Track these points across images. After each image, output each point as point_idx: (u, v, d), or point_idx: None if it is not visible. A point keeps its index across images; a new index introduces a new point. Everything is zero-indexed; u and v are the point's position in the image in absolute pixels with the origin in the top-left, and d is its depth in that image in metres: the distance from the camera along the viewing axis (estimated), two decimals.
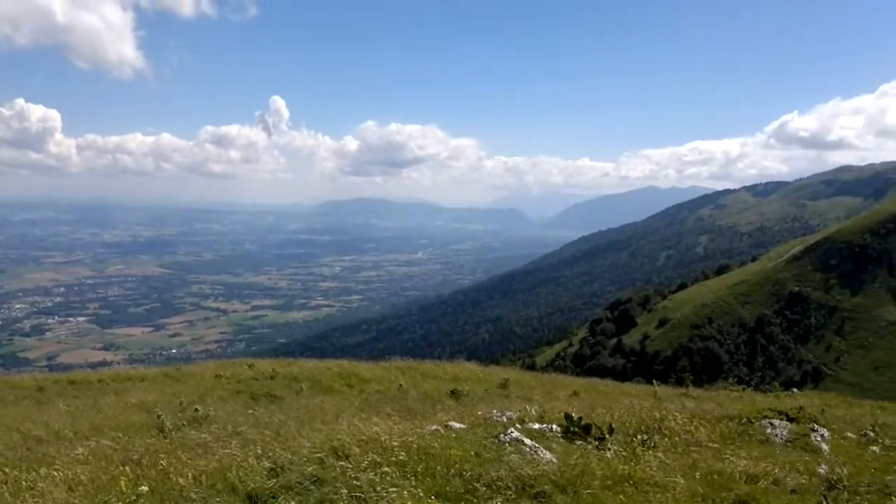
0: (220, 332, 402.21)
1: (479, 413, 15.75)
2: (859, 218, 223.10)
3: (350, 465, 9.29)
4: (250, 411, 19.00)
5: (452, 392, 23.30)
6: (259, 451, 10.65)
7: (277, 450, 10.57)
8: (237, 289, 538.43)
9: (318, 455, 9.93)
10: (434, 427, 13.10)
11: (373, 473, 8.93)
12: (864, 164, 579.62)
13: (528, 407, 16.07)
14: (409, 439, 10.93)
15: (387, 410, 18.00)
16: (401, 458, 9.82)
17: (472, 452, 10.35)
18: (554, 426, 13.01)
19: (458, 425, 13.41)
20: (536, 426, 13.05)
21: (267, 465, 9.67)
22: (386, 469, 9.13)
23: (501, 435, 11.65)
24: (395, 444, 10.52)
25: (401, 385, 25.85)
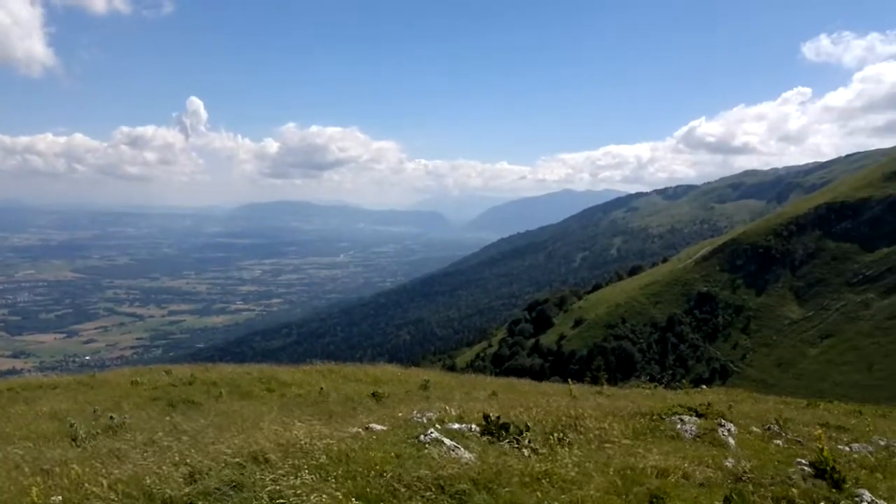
0: (136, 338, 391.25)
1: (400, 415, 15.75)
2: (763, 220, 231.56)
3: (270, 470, 9.19)
4: (168, 418, 18.56)
5: (374, 394, 23.27)
6: (176, 458, 10.41)
7: (195, 456, 10.35)
8: (154, 293, 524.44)
9: (237, 460, 9.78)
10: (355, 429, 13.06)
11: (293, 478, 8.86)
12: (767, 168, 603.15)
13: (447, 407, 16.14)
14: (330, 442, 10.87)
15: (307, 414, 17.81)
16: (321, 461, 9.76)
17: (393, 454, 10.36)
18: (473, 426, 13.11)
19: (379, 427, 13.40)
20: (456, 426, 13.14)
21: (184, 471, 9.48)
22: (306, 473, 9.07)
23: (421, 436, 11.69)
24: (316, 447, 10.45)
25: (322, 388, 25.64)
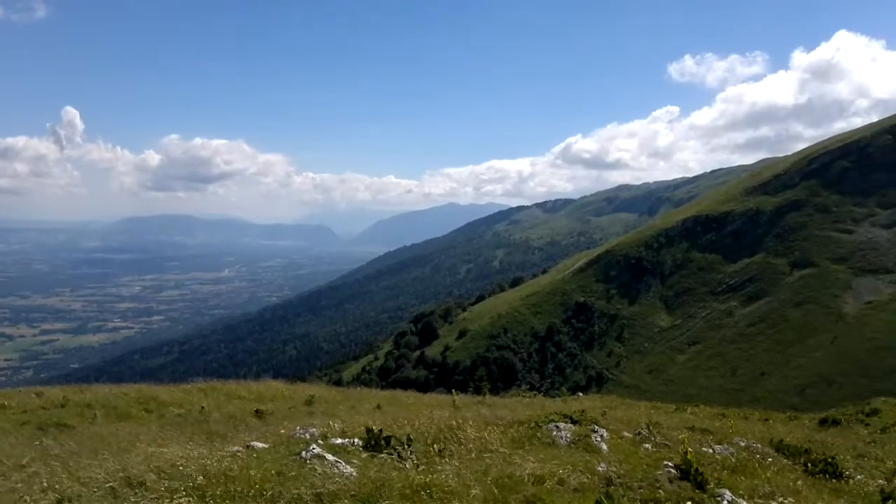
0: (5, 359, 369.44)
1: (283, 431, 15.47)
2: (635, 233, 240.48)
3: (144, 494, 8.86)
4: (37, 443, 17.52)
5: (257, 411, 22.77)
6: (45, 484, 9.88)
7: (66, 482, 9.85)
8: (24, 312, 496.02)
9: (110, 485, 9.38)
10: (236, 448, 12.75)
11: (168, 500, 8.57)
12: (639, 183, 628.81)
13: (331, 423, 15.98)
14: (209, 463, 10.56)
15: (187, 434, 17.25)
16: (199, 482, 9.46)
17: (274, 471, 10.17)
18: (356, 440, 13.03)
19: (260, 445, 13.13)
20: (339, 441, 13.02)
21: (53, 498, 9.01)
22: (183, 495, 8.78)
23: (303, 452, 11.53)
24: (194, 468, 10.14)
25: (203, 407, 24.86)
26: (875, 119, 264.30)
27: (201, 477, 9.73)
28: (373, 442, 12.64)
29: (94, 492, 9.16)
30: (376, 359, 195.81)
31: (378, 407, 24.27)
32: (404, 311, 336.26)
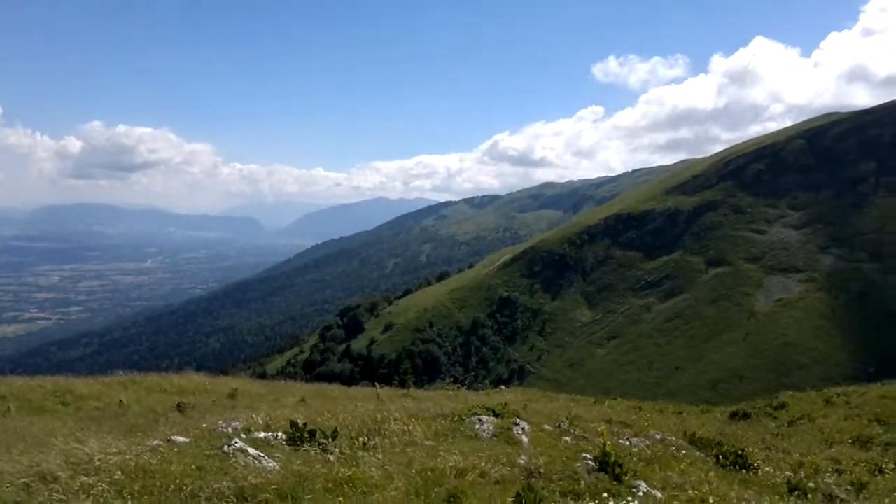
0: None
1: (205, 425, 15.14)
2: (559, 229, 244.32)
3: (58, 489, 8.57)
4: None
5: (178, 405, 22.24)
6: None
7: None
8: None
9: (24, 480, 9.04)
10: (155, 442, 12.41)
11: (84, 496, 8.32)
12: (564, 181, 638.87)
13: (254, 416, 15.72)
14: (127, 457, 10.26)
15: (105, 428, 16.73)
16: (116, 477, 9.20)
17: (194, 466, 9.96)
18: (280, 434, 12.86)
19: (181, 439, 12.82)
20: (262, 435, 12.83)
21: None
22: (99, 490, 8.54)
23: (225, 446, 11.31)
24: (111, 463, 9.85)
25: (122, 401, 24.14)
26: (788, 124, 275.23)
27: (119, 472, 9.45)
28: (297, 435, 12.50)
29: (6, 488, 8.81)
30: (302, 352, 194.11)
31: (303, 400, 24.03)
32: (331, 304, 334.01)
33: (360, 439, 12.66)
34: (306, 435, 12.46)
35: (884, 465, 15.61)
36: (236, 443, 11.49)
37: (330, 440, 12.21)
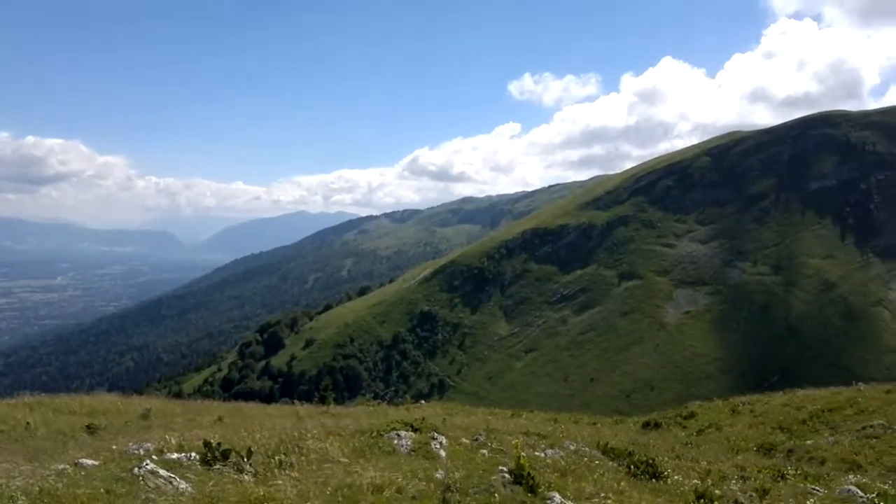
0: None
1: (115, 447, 14.57)
2: (478, 244, 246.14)
3: None
4: None
5: (88, 427, 21.35)
6: None
7: None
8: None
9: None
10: (63, 466, 11.90)
11: None
12: (483, 196, 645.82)
13: (168, 437, 15.22)
14: (31, 482, 9.82)
15: (10, 452, 15.97)
16: (20, 503, 8.80)
17: (103, 490, 9.58)
18: (193, 454, 12.49)
19: (90, 462, 12.33)
20: (175, 456, 12.44)
21: None
22: None
23: (136, 468, 10.93)
24: (14, 488, 9.40)
25: (28, 423, 23.00)
26: (695, 141, 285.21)
27: (24, 498, 9.05)
28: (210, 455, 12.17)
29: None
30: (220, 370, 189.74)
31: (219, 419, 23.42)
32: (250, 320, 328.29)
33: (277, 458, 12.40)
34: (220, 455, 12.14)
35: (786, 472, 16.09)
36: (147, 465, 11.12)
37: (245, 459, 11.93)
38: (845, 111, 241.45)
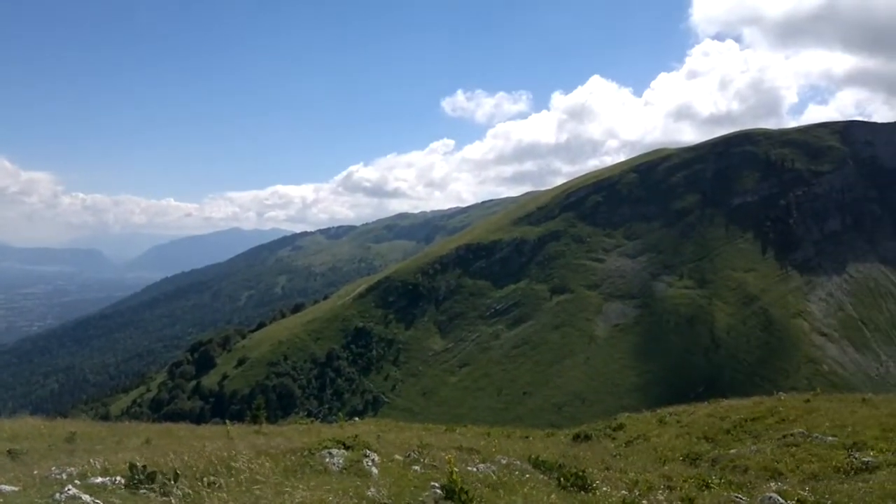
0: None
1: (37, 472, 14.04)
2: (413, 259, 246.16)
3: None
4: None
5: (9, 452, 20.49)
6: None
7: None
8: None
9: None
10: None
11: None
12: (417, 211, 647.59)
13: (92, 460, 14.74)
14: None
15: None
16: None
17: None
18: (118, 478, 12.13)
19: (8, 488, 11.86)
20: (99, 480, 12.06)
21: None
22: None
23: (58, 494, 10.56)
24: None
25: None
26: (623, 158, 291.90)
27: None
28: (136, 479, 11.85)
29: None
30: (149, 390, 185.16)
31: (147, 441, 22.78)
32: (181, 339, 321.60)
33: (205, 479, 12.13)
34: (146, 478, 11.83)
35: (710, 481, 16.35)
36: (69, 490, 10.77)
37: (172, 482, 11.65)
38: (766, 129, 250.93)
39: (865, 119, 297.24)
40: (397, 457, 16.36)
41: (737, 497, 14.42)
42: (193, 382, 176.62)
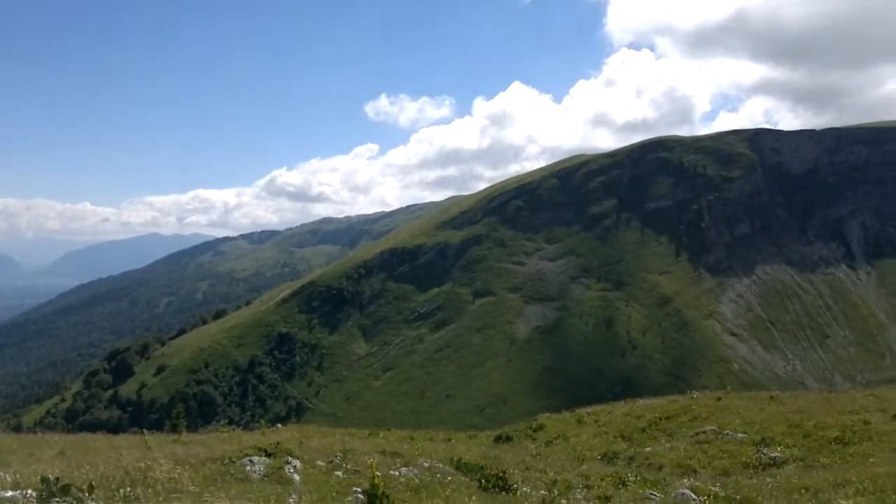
0: None
1: None
2: (337, 264, 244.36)
3: None
4: None
5: None
6: None
7: None
8: None
9: None
10: None
11: None
12: (342, 216, 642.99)
13: (3, 473, 14.16)
14: None
15: None
16: None
17: None
18: (30, 491, 11.67)
19: None
20: (9, 494, 11.59)
21: None
22: None
23: None
24: None
25: None
26: (543, 164, 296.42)
27: None
28: (49, 492, 11.42)
29: None
30: (63, 400, 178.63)
31: (61, 453, 21.92)
32: (97, 348, 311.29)
33: (122, 491, 11.79)
34: (59, 490, 11.43)
35: (627, 479, 16.66)
36: None
37: (87, 494, 11.28)
38: (679, 136, 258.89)
39: (772, 127, 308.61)
40: (320, 463, 16.22)
41: (651, 494, 14.72)
42: (110, 392, 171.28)
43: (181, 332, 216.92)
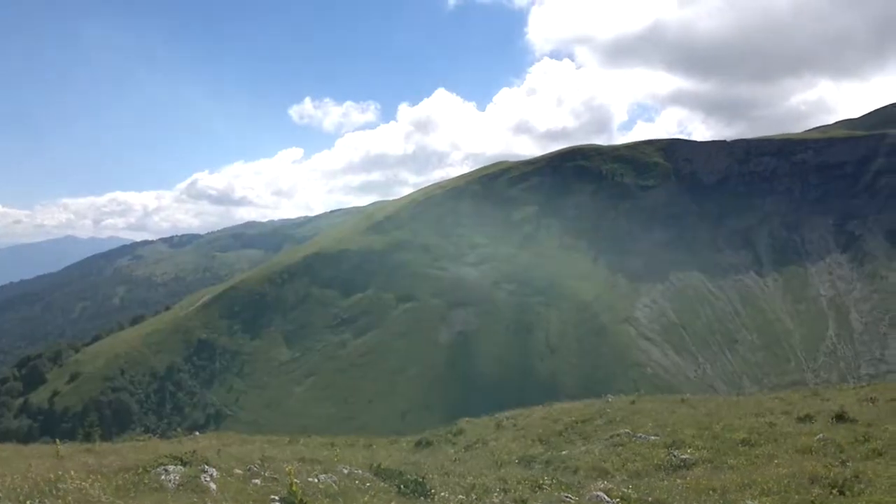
0: None
1: None
2: (260, 268, 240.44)
3: None
4: None
5: None
6: None
7: None
8: None
9: None
10: None
11: None
12: (265, 220, 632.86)
13: None
14: None
15: None
16: None
17: None
18: None
19: None
20: None
21: None
22: None
23: None
24: None
25: None
26: (467, 170, 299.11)
27: None
28: None
29: None
30: None
31: None
32: (7, 354, 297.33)
33: (29, 502, 11.46)
34: None
35: (543, 482, 16.92)
36: None
37: None
38: (597, 145, 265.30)
39: (686, 137, 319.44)
40: (237, 471, 16.03)
41: (566, 497, 15.02)
42: (21, 400, 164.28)
43: (97, 338, 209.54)
